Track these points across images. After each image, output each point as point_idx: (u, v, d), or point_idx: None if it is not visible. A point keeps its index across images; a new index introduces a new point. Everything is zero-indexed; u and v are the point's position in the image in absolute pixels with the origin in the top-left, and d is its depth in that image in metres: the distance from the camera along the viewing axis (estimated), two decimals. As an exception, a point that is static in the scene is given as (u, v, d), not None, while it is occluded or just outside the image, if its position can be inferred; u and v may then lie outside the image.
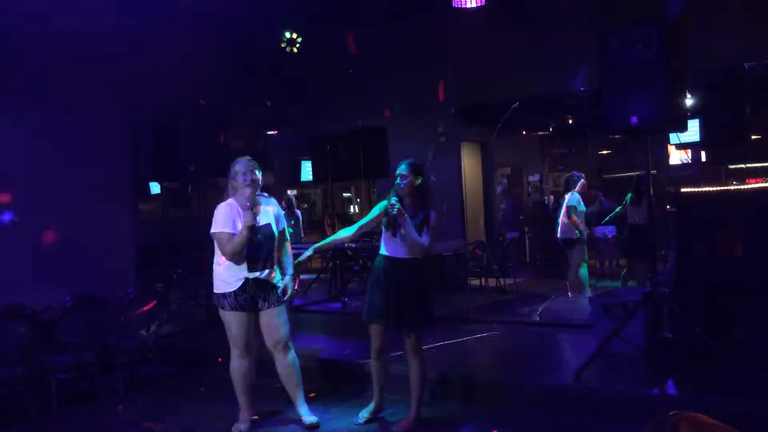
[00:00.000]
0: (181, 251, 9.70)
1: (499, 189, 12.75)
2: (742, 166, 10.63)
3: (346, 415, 4.70)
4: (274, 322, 4.42)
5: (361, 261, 9.39)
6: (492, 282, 9.45)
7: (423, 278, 4.28)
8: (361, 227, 4.44)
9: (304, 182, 13.87)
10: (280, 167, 15.65)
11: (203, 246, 7.58)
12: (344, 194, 16.68)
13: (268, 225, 4.38)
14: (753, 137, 8.26)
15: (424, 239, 4.18)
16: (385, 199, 4.30)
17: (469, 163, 12.15)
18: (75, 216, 6.46)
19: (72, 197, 6.49)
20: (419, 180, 4.27)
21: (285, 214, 4.84)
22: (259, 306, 4.39)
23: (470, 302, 7.67)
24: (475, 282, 9.52)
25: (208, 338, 6.77)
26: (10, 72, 5.95)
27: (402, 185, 4.24)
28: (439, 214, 4.38)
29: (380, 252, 4.32)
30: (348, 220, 13.31)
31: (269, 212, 4.44)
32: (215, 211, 4.36)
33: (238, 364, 4.44)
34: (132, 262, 7.26)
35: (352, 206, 16.68)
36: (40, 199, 6.24)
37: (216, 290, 4.41)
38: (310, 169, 9.92)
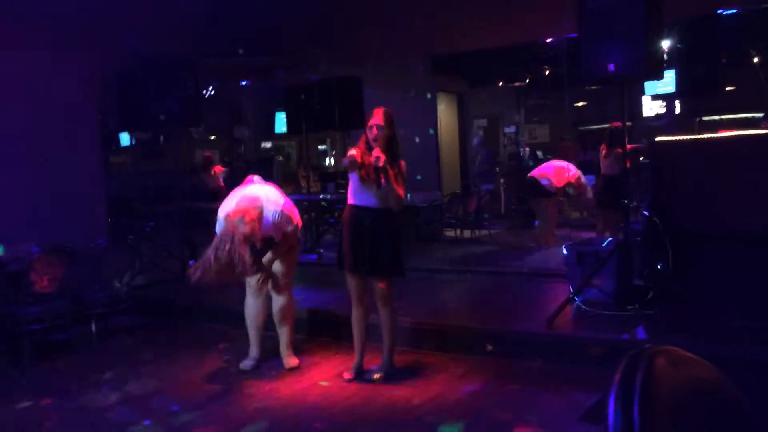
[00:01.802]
0: (154, 203, 9.58)
1: (475, 141, 12.70)
2: (715, 117, 10.68)
3: (323, 362, 4.77)
4: (276, 268, 4.62)
5: (336, 213, 9.35)
6: (467, 233, 9.52)
7: (394, 228, 4.24)
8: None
9: (278, 134, 13.65)
10: (254, 119, 15.40)
11: (176, 198, 7.51)
12: (319, 146, 16.48)
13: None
14: (727, 88, 8.24)
15: (401, 190, 4.16)
16: (353, 149, 4.19)
17: (446, 115, 12.06)
18: (42, 166, 6.30)
19: (39, 146, 6.31)
20: (392, 130, 4.20)
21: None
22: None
23: (445, 253, 7.71)
24: (450, 233, 9.58)
25: (181, 290, 6.74)
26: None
27: (378, 136, 4.15)
28: (411, 165, 4.33)
29: (348, 202, 4.28)
30: (323, 173, 13.21)
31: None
32: None
33: (251, 302, 4.70)
34: (102, 212, 7.13)
35: (327, 158, 16.52)
36: (5, 149, 6.06)
37: None
38: (285, 120, 9.71)
